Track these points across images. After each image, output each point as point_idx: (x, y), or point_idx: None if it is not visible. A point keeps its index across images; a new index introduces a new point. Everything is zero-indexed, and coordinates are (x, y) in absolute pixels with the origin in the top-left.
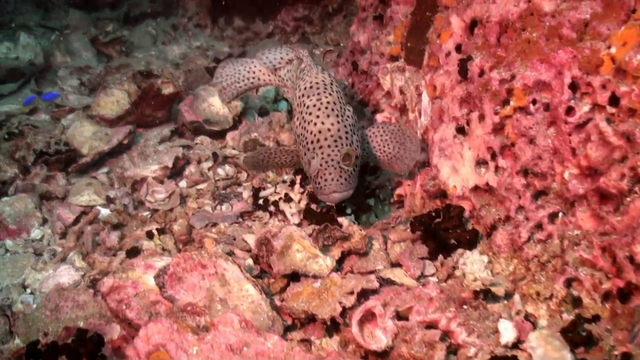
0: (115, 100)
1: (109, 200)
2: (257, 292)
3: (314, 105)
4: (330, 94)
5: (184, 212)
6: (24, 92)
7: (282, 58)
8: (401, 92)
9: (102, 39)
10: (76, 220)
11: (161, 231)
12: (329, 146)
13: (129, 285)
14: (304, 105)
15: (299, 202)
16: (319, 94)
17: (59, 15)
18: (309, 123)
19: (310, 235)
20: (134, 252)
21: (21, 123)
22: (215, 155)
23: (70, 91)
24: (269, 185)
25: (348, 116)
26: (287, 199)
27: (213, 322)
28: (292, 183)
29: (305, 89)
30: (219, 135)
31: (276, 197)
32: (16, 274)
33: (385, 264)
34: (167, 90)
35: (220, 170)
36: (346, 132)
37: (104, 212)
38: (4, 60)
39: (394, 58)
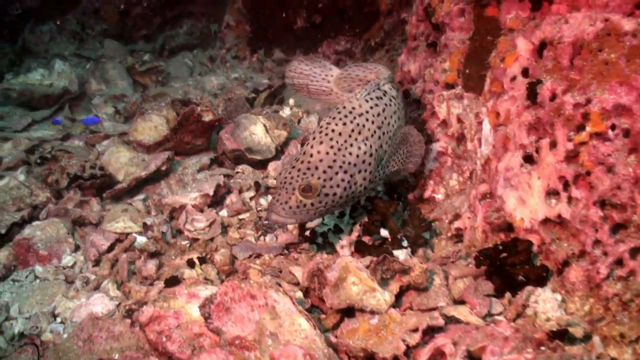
0: (153, 125)
1: (146, 228)
2: (311, 326)
3: (319, 127)
4: (343, 124)
5: (225, 242)
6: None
7: (364, 77)
8: (459, 120)
9: (139, 68)
10: (110, 248)
11: (202, 260)
12: (299, 170)
13: (170, 315)
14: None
15: (350, 233)
16: (332, 118)
17: (94, 47)
18: (306, 144)
19: (367, 267)
20: (173, 282)
21: (54, 148)
22: (257, 184)
23: (105, 118)
24: None
25: (358, 153)
26: (337, 230)
27: (274, 355)
28: (341, 214)
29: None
30: (261, 165)
31: (324, 229)
32: (45, 301)
33: (448, 300)
34: (208, 117)
35: (262, 201)
36: (334, 166)
37: (140, 239)
38: (37, 87)
39: (449, 86)
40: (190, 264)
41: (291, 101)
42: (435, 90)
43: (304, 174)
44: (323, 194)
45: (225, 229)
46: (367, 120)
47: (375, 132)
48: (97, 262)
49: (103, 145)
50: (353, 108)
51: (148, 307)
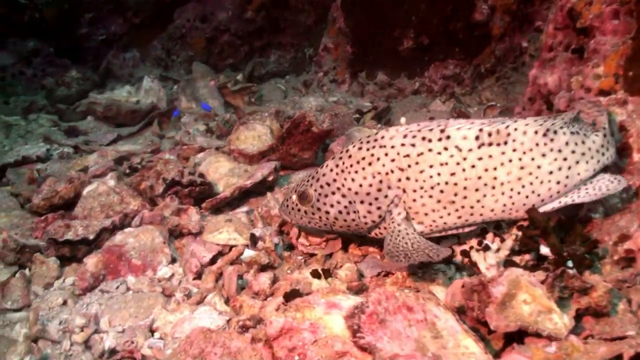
0: (256, 134)
1: (254, 240)
2: (481, 350)
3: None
4: (359, 149)
5: (346, 257)
6: (144, 134)
7: None
8: (621, 128)
9: (231, 87)
10: (213, 260)
11: (327, 273)
12: (311, 177)
13: (305, 328)
14: None
15: (498, 251)
16: (359, 141)
17: (179, 73)
18: None
19: (542, 282)
20: (294, 295)
21: (144, 160)
22: None
23: (197, 134)
24: None
25: (362, 183)
26: (484, 247)
27: None
28: (483, 230)
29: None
30: None
31: (465, 246)
32: (141, 314)
33: (638, 329)
34: (317, 127)
35: None
36: (332, 185)
37: (248, 252)
38: (124, 103)
39: (604, 92)
40: (315, 274)
41: (402, 120)
42: (586, 98)
43: (308, 181)
44: (316, 207)
45: (345, 243)
46: (385, 155)
47: (394, 172)
48: (198, 275)
49: (198, 158)
50: (382, 137)
51: (277, 317)
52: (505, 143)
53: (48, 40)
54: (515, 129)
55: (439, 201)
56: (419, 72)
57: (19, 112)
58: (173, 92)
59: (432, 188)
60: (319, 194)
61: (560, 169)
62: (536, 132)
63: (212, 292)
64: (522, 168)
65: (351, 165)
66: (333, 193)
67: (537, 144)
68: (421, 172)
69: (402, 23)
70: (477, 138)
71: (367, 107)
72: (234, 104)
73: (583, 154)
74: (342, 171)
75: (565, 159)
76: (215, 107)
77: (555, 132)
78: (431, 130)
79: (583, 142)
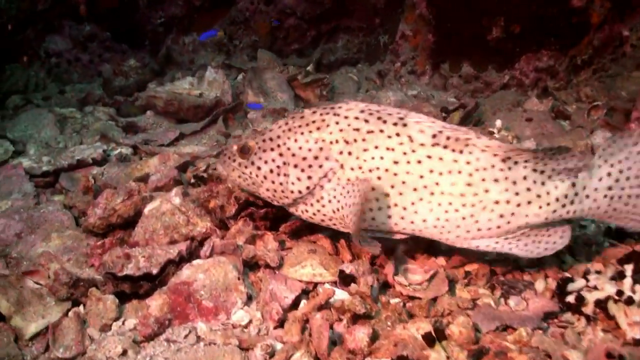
0: None
1: (344, 278)
2: None
3: None
4: (313, 112)
5: (455, 304)
6: (209, 133)
7: None
8: None
9: (302, 80)
10: (296, 302)
11: (440, 333)
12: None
13: None
14: None
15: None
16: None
17: (242, 59)
18: None
19: None
20: None
21: (210, 166)
22: None
23: None
24: (575, 274)
25: (302, 146)
26: (627, 300)
27: None
28: (621, 275)
29: None
30: None
31: (599, 295)
32: None
33: None
34: None
35: None
36: (275, 140)
37: (339, 293)
38: (185, 97)
39: None
40: (429, 339)
41: (498, 123)
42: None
43: (255, 134)
44: (251, 161)
45: (452, 284)
46: (336, 123)
47: (338, 142)
48: (280, 323)
49: None
50: (339, 107)
51: None
52: (461, 152)
53: (104, 24)
54: (475, 145)
55: (372, 189)
56: (509, 64)
57: (75, 104)
58: (237, 82)
59: (370, 171)
60: (259, 148)
61: (508, 202)
62: (495, 155)
63: (299, 348)
64: (469, 185)
65: (299, 126)
66: (272, 149)
67: (492, 166)
68: (365, 150)
69: (492, 10)
70: (434, 136)
71: (453, 104)
72: (304, 98)
73: (538, 196)
74: (289, 130)
75: (517, 194)
76: (285, 101)
77: (515, 162)
78: (390, 114)
79: (543, 184)
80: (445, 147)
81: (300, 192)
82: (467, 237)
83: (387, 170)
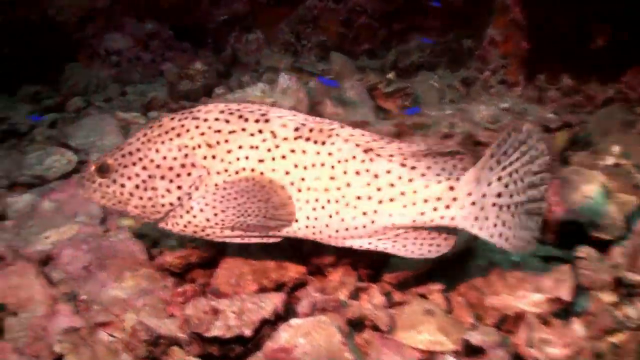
0: None
1: (471, 350)
2: None
3: None
4: (171, 119)
5: None
6: None
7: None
8: None
9: (384, 89)
10: None
11: None
12: (116, 148)
13: None
14: None
15: None
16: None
17: (310, 60)
18: None
19: None
20: None
21: None
22: (618, 281)
23: None
24: None
25: (166, 155)
26: None
27: None
28: None
29: None
30: (596, 245)
31: None
32: None
33: None
34: None
35: (630, 311)
36: (134, 154)
37: None
38: None
39: None
40: None
41: (615, 149)
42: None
43: (111, 151)
44: (112, 179)
45: None
46: (196, 127)
47: (201, 147)
48: None
49: None
50: (198, 110)
51: None
52: (324, 143)
53: (166, 21)
54: (338, 134)
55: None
56: (614, 76)
57: (137, 107)
58: (310, 89)
59: (236, 173)
60: (119, 164)
61: (370, 198)
62: (358, 145)
63: None
64: (332, 179)
65: (159, 135)
66: (134, 164)
67: (354, 157)
68: (229, 151)
69: (596, 16)
70: (296, 129)
71: (554, 122)
72: (385, 108)
73: (402, 193)
74: (149, 140)
75: (379, 189)
76: (366, 113)
77: (379, 155)
78: (251, 111)
79: (410, 181)
80: (308, 139)
81: (171, 204)
82: (339, 237)
83: (253, 170)
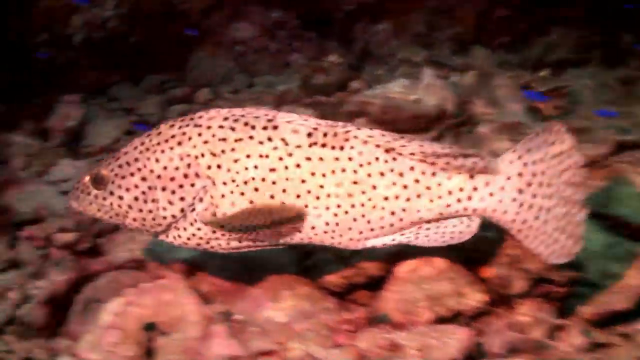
0: None
1: None
2: None
3: None
4: (170, 126)
5: None
6: None
7: None
8: None
9: (539, 88)
10: None
11: None
12: (111, 157)
13: None
14: None
15: None
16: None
17: (443, 53)
18: None
19: None
20: None
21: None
22: None
23: None
24: None
25: (167, 165)
26: None
27: None
28: None
29: None
30: None
31: None
32: None
33: None
34: None
35: None
36: (132, 164)
37: None
38: (403, 103)
39: None
40: None
41: None
42: None
43: (106, 160)
44: (109, 191)
45: None
46: (199, 135)
47: (204, 156)
48: None
49: None
50: (200, 116)
51: None
52: (342, 148)
53: (292, 10)
54: (356, 137)
55: (251, 202)
56: None
57: (267, 100)
58: (451, 85)
59: (245, 183)
60: (116, 175)
61: (397, 197)
62: (378, 146)
63: None
64: (355, 183)
65: (158, 143)
66: (132, 174)
67: (376, 159)
68: (235, 161)
69: None
70: (309, 135)
71: None
72: (541, 109)
73: (428, 188)
74: (147, 149)
75: (405, 187)
76: (517, 113)
77: (400, 153)
78: (257, 117)
79: (433, 175)
80: (323, 145)
81: (174, 216)
82: (361, 239)
83: (264, 179)
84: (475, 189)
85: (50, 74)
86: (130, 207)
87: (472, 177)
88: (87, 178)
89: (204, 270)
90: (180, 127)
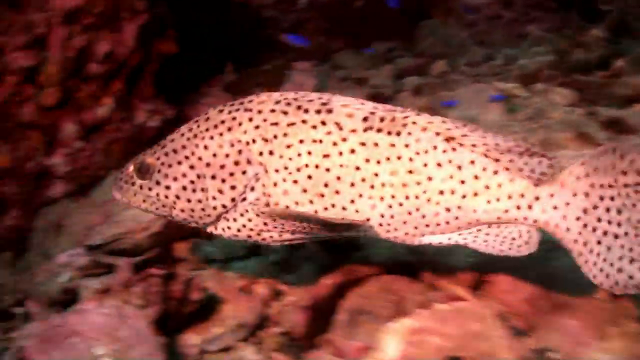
0: None
1: None
2: None
3: None
4: (219, 111)
5: None
6: None
7: None
8: None
9: None
10: None
11: None
12: (157, 145)
13: None
14: None
15: None
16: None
17: None
18: None
19: None
20: None
21: None
22: None
23: None
24: None
25: (217, 152)
26: None
27: None
28: None
29: None
30: None
31: None
32: None
33: None
34: None
35: None
36: (180, 152)
37: None
38: None
39: None
40: None
41: None
42: None
43: (152, 149)
44: (155, 180)
45: None
46: (250, 120)
47: (256, 142)
48: None
49: None
50: (250, 101)
51: None
52: (399, 134)
53: None
54: (415, 122)
55: (305, 190)
56: None
57: (510, 76)
58: None
59: (298, 170)
60: (162, 163)
61: (453, 192)
62: (438, 134)
63: None
64: (410, 172)
65: (207, 130)
66: (179, 163)
67: (434, 147)
68: (288, 147)
69: None
70: (365, 119)
71: None
72: None
73: (487, 187)
74: (195, 136)
75: (462, 182)
76: None
77: (461, 144)
78: (311, 100)
79: (495, 173)
80: (379, 130)
81: (224, 206)
82: (416, 234)
83: (317, 166)
84: (537, 198)
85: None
86: (177, 197)
87: (536, 185)
88: (131, 167)
89: (490, 283)
90: (229, 112)
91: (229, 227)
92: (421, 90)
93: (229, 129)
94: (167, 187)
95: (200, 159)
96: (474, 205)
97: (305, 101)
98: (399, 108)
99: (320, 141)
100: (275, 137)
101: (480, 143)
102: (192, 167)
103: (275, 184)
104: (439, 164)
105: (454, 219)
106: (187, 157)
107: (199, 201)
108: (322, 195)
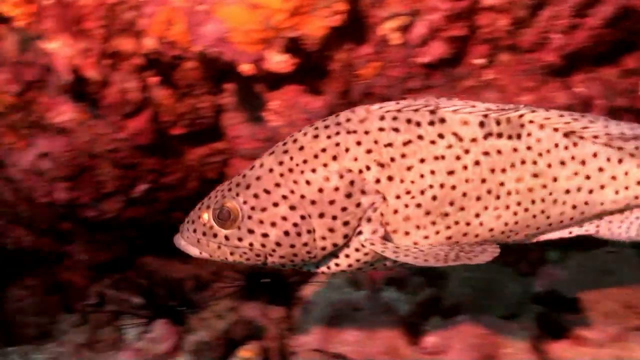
0: None
1: None
2: None
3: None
4: (314, 137)
5: None
6: None
7: None
8: None
9: None
10: None
11: None
12: (230, 183)
13: None
14: None
15: None
16: (310, 126)
17: None
18: None
19: None
20: None
21: None
22: None
23: None
24: None
25: (323, 186)
26: None
27: None
28: None
29: None
30: None
31: None
32: None
33: None
34: None
35: None
36: (274, 192)
37: None
38: None
39: None
40: None
41: None
42: None
43: (229, 190)
44: (247, 230)
45: None
46: (358, 144)
47: (370, 169)
48: None
49: None
50: (347, 119)
51: None
52: (519, 137)
53: None
54: (532, 121)
55: (428, 213)
56: None
57: None
58: None
59: (422, 193)
60: (252, 208)
61: (579, 189)
62: (556, 130)
63: None
64: (535, 176)
65: (304, 162)
66: (275, 205)
67: (556, 145)
68: (409, 169)
69: None
70: (481, 125)
71: None
72: None
73: (613, 177)
74: (290, 170)
75: (588, 177)
76: None
77: (581, 137)
78: (416, 110)
79: (620, 162)
80: (499, 135)
81: (335, 245)
82: (537, 234)
83: (442, 185)
84: None
85: None
86: (278, 244)
87: None
88: (206, 216)
89: None
90: (329, 137)
91: (337, 264)
92: None
93: (334, 158)
94: (265, 235)
95: (302, 197)
96: (601, 199)
97: (411, 112)
98: (510, 105)
99: (443, 157)
100: (392, 160)
101: (602, 133)
102: (293, 207)
103: (395, 211)
104: (562, 162)
105: (579, 214)
106: (284, 197)
107: (305, 244)
108: (446, 215)
